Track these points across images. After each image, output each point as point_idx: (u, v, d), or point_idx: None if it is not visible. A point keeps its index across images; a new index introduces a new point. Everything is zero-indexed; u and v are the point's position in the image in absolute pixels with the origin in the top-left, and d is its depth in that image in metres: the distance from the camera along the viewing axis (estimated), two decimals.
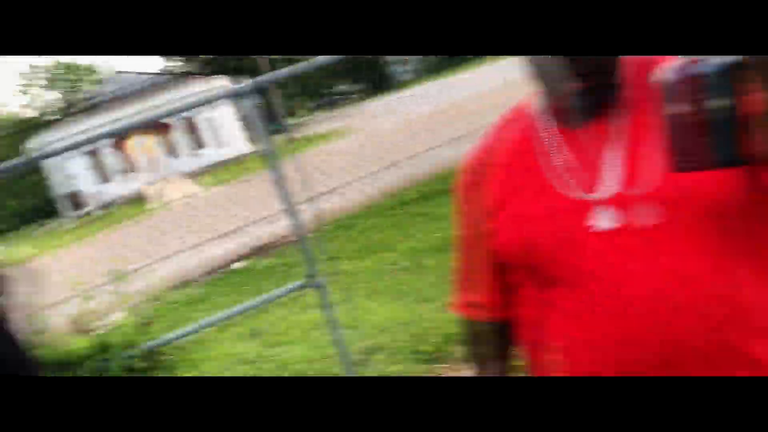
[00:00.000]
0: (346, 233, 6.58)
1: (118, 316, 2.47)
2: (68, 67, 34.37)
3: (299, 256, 6.11)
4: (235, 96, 2.60)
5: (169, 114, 2.48)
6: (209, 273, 6.90)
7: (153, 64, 45.20)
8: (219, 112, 22.13)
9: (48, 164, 21.27)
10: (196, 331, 2.53)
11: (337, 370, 3.46)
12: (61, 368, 2.43)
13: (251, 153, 19.19)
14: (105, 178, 22.61)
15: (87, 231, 16.26)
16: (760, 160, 0.66)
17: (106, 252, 9.97)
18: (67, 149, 2.48)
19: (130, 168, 22.67)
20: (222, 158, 21.85)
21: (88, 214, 21.28)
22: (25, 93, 35.35)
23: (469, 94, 15.46)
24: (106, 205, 20.95)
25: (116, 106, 22.39)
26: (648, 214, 0.79)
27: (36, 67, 34.80)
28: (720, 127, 0.65)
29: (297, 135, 19.72)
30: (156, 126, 20.73)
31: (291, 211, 2.66)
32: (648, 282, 0.78)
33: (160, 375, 2.55)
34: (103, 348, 2.38)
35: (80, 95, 29.71)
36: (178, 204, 14.90)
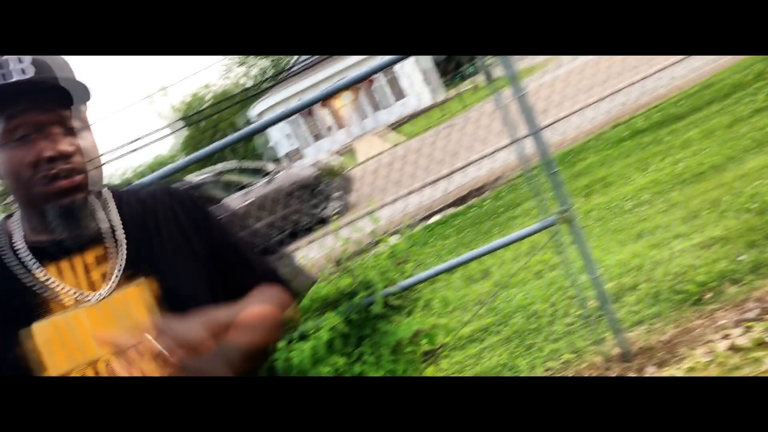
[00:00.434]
0: (571, 168, 6.20)
1: (372, 253, 2.52)
2: None
3: (520, 194, 5.93)
4: None
5: (374, 71, 2.43)
6: (424, 218, 6.99)
7: None
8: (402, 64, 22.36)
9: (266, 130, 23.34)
10: (448, 269, 2.50)
11: (579, 311, 3.25)
12: (325, 305, 2.56)
13: (443, 101, 19.13)
14: (317, 136, 24.26)
15: None
16: None
17: None
18: (286, 115, 2.51)
19: (338, 124, 24.03)
20: (419, 108, 22.14)
21: None
22: (242, 64, 39.14)
23: None
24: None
25: (320, 68, 23.72)
26: None
27: None
28: None
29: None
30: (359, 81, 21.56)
31: (537, 140, 2.47)
32: None
33: (411, 314, 2.58)
34: (366, 285, 2.44)
35: (289, 60, 32.01)
36: (385, 154, 15.44)
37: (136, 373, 0.89)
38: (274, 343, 1.13)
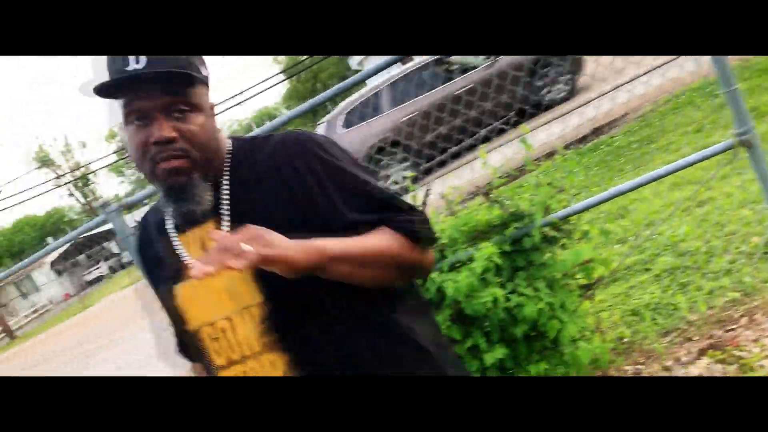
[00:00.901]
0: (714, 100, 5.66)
1: (524, 180, 2.39)
2: None
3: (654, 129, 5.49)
4: None
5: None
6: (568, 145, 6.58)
7: None
8: None
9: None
10: (609, 199, 2.34)
11: (740, 248, 2.99)
12: (475, 237, 2.48)
13: None
14: None
15: None
16: None
17: None
18: (389, 63, 2.43)
19: None
20: None
21: None
22: None
23: None
24: None
25: None
26: None
27: None
28: None
29: None
30: None
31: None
32: None
33: (565, 246, 2.45)
34: (519, 216, 2.34)
35: None
36: None
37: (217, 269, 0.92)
38: (384, 278, 1.11)
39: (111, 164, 52.77)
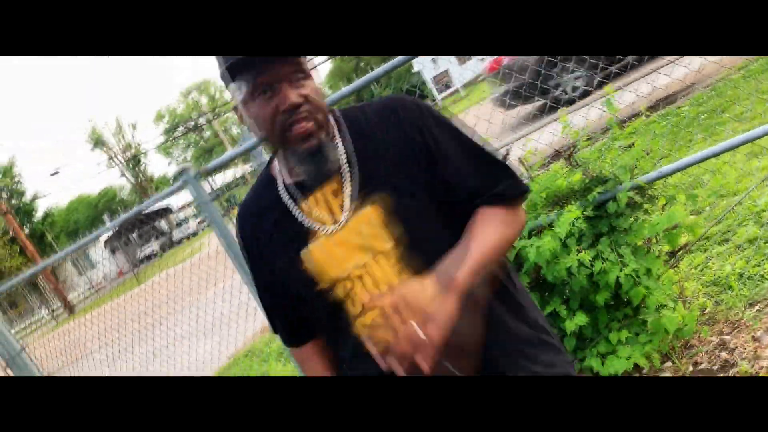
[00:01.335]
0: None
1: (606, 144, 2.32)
2: None
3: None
4: None
5: None
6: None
7: None
8: None
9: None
10: (700, 161, 2.25)
11: None
12: (555, 201, 2.43)
13: None
14: (462, 58, 23.63)
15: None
16: None
17: None
18: None
19: None
20: None
21: (456, 91, 22.83)
22: None
23: None
24: (469, 83, 22.06)
25: None
26: None
27: None
28: None
29: None
30: None
31: None
32: None
33: (648, 211, 2.37)
34: (601, 180, 2.27)
35: None
36: None
37: (401, 364, 0.99)
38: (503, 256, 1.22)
39: (160, 144, 53.95)
